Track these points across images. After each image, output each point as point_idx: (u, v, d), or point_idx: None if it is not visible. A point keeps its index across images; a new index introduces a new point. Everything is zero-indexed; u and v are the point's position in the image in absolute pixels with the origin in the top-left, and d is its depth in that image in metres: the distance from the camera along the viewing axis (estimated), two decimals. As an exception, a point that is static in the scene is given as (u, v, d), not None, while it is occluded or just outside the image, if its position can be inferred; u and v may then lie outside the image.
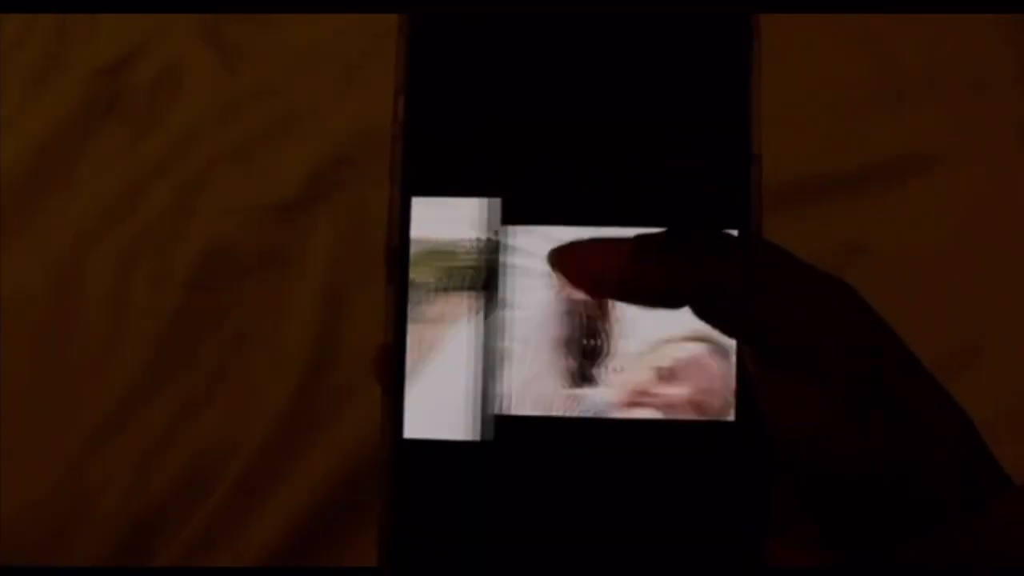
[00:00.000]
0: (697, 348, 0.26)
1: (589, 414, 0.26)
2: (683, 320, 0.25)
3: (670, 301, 0.24)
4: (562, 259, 0.25)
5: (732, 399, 0.26)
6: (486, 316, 0.26)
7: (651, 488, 0.26)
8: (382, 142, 0.65)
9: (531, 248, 0.26)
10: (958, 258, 0.56)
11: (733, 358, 0.26)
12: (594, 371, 0.26)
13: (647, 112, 0.26)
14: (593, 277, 0.25)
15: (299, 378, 0.57)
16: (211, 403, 0.57)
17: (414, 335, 0.26)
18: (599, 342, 0.26)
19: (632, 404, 0.26)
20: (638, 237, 0.24)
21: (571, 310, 0.26)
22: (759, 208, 0.26)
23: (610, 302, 0.26)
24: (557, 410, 0.26)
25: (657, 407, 0.26)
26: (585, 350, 0.26)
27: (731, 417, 0.26)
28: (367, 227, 0.59)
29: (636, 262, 0.24)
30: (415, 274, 0.26)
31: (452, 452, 0.26)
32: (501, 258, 0.26)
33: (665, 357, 0.26)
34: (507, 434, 0.26)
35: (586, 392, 0.26)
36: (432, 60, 0.27)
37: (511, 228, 0.26)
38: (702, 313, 0.24)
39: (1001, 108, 0.60)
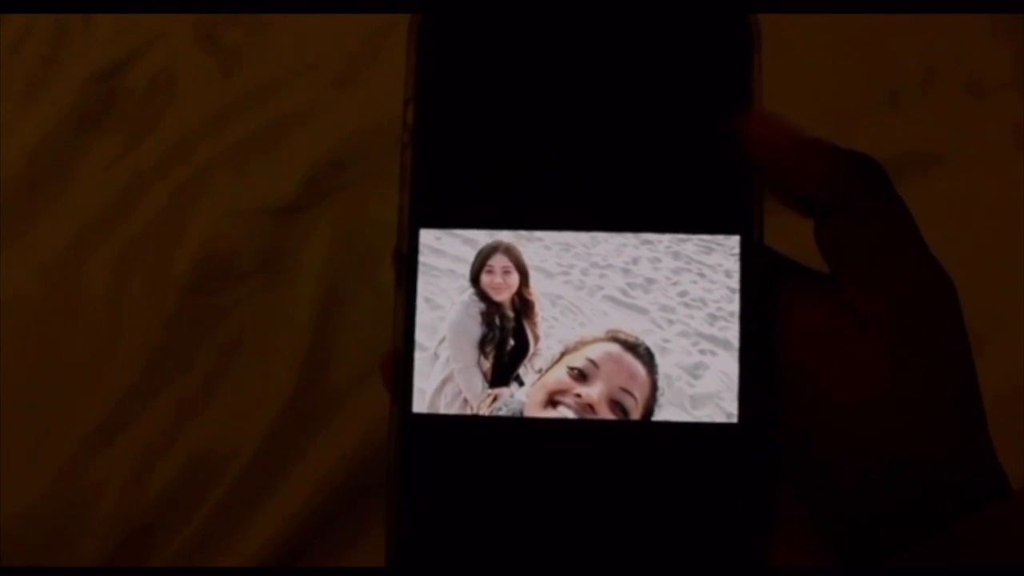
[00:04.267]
0: (612, 347, 0.26)
1: (507, 413, 0.26)
2: (600, 320, 0.26)
3: (808, 197, 0.26)
4: (746, 122, 0.26)
5: (649, 396, 0.26)
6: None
7: (655, 489, 0.26)
8: (379, 144, 0.65)
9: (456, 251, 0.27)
10: (956, 259, 0.56)
11: (648, 356, 0.26)
12: (518, 371, 0.26)
13: (654, 125, 0.27)
14: (762, 146, 0.26)
15: (296, 380, 0.57)
16: (209, 405, 0.57)
17: None
18: (520, 342, 0.27)
19: (551, 403, 0.26)
20: (815, 137, 0.26)
21: (492, 311, 0.27)
22: (760, 217, 0.26)
23: (533, 301, 0.26)
24: (475, 409, 0.26)
25: (575, 406, 0.26)
26: (506, 350, 0.27)
27: (659, 414, 0.26)
28: (364, 230, 0.59)
29: (803, 145, 0.25)
30: None
31: (460, 455, 0.26)
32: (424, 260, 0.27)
33: (580, 357, 0.26)
34: (511, 434, 0.26)
35: (506, 391, 0.26)
36: (441, 67, 0.27)
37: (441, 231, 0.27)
38: (818, 226, 0.26)
39: (999, 109, 0.60)
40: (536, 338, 0.26)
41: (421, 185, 0.27)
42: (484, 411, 0.26)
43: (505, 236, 0.27)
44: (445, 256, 0.27)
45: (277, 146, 0.62)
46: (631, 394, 0.26)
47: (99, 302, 0.59)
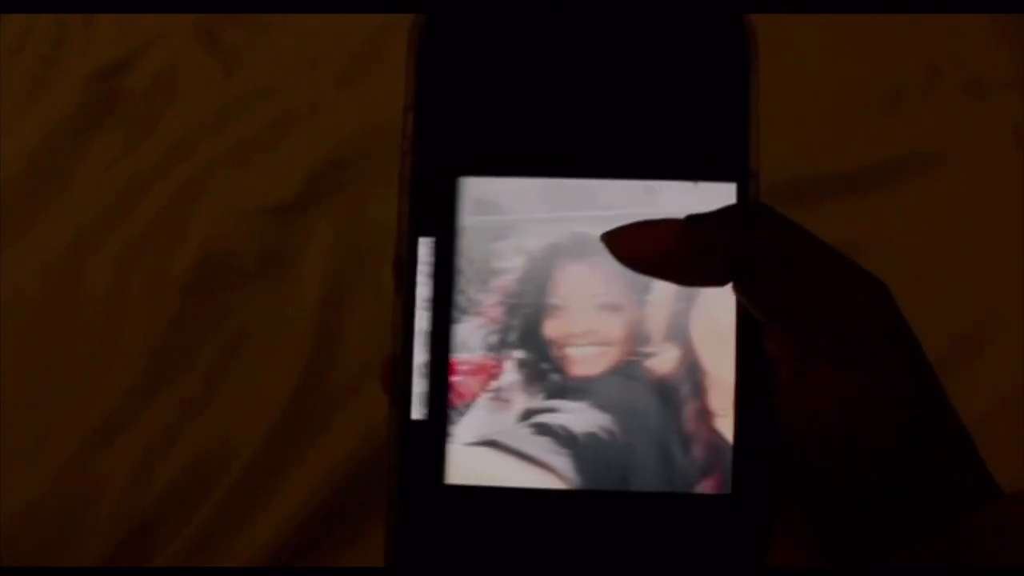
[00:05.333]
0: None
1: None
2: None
3: (713, 277, 0.25)
4: (615, 239, 0.26)
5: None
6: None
7: (655, 491, 0.26)
8: (379, 144, 0.65)
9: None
10: (956, 258, 0.56)
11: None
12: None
13: (657, 132, 0.27)
14: (645, 256, 0.25)
15: (297, 379, 0.57)
16: (210, 404, 0.57)
17: None
18: None
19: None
20: (688, 216, 0.25)
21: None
22: None
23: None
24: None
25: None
26: None
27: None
28: (365, 230, 0.59)
29: (685, 239, 0.25)
30: None
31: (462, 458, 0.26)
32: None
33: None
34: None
35: None
36: (440, 75, 0.27)
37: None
38: (742, 290, 0.25)
39: (999, 109, 0.61)
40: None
41: (421, 193, 0.27)
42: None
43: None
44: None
45: (277, 146, 0.62)
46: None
47: (99, 302, 0.59)
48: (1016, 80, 0.61)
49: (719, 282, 0.25)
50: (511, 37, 0.27)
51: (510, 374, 0.26)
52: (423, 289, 0.27)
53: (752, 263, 0.24)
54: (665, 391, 0.26)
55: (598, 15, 0.27)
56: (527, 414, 0.26)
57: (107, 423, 0.57)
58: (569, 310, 0.26)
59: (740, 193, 0.26)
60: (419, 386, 0.26)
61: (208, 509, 0.55)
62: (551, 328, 0.26)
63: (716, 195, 0.26)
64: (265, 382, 0.57)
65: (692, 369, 0.26)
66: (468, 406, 0.26)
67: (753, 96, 0.26)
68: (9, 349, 0.58)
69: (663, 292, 0.26)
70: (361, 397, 0.56)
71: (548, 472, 0.26)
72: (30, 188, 0.62)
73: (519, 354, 0.26)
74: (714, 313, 0.26)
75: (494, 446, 0.26)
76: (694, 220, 0.25)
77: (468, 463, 0.26)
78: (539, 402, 0.26)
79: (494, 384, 0.26)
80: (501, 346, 0.27)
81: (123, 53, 0.65)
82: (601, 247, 0.26)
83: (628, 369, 0.26)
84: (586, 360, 0.26)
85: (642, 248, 0.25)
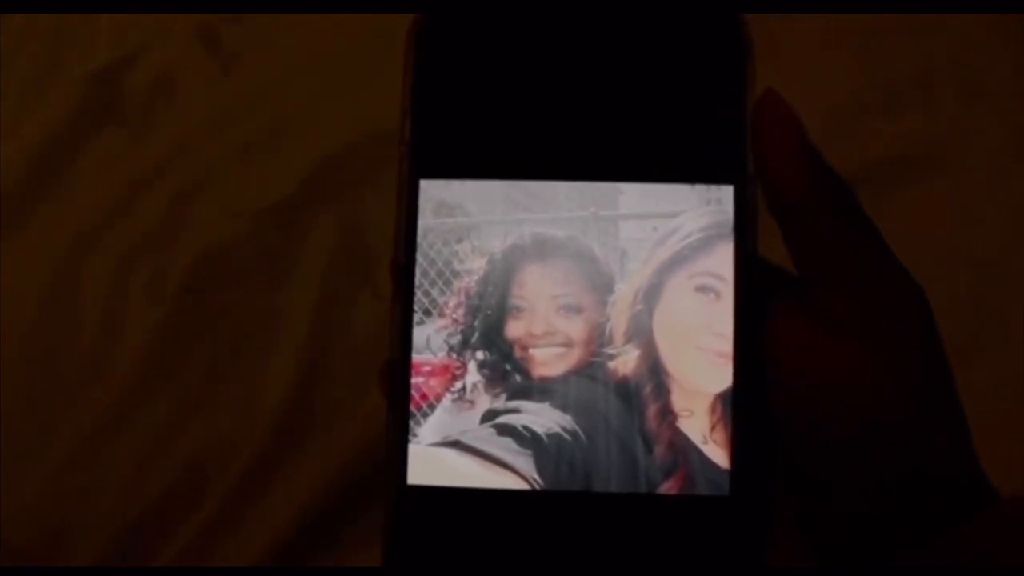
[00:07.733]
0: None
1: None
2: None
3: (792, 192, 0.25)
4: (764, 109, 0.26)
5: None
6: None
7: (654, 492, 0.26)
8: (379, 144, 0.65)
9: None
10: (955, 259, 0.56)
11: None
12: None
13: (655, 137, 0.26)
14: (785, 125, 0.26)
15: (296, 379, 0.57)
16: (208, 405, 0.57)
17: None
18: None
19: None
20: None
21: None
22: (755, 226, 0.26)
23: None
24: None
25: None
26: None
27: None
28: (364, 230, 0.59)
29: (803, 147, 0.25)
30: None
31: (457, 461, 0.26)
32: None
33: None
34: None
35: None
36: (436, 81, 0.27)
37: None
38: (787, 225, 0.26)
39: (998, 110, 0.60)
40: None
41: (418, 198, 0.27)
42: None
43: None
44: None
45: (277, 146, 0.62)
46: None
47: (99, 300, 0.59)
48: (1015, 82, 0.61)
49: (773, 198, 0.26)
50: (508, 39, 0.27)
51: (473, 375, 0.26)
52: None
53: (822, 209, 0.25)
54: (627, 392, 0.26)
55: (595, 18, 0.27)
56: (490, 415, 0.26)
57: (106, 423, 0.57)
58: (531, 311, 0.27)
59: (738, 196, 0.26)
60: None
61: (207, 509, 0.55)
62: (513, 329, 0.27)
63: (680, 198, 0.26)
64: (264, 382, 0.57)
65: (654, 369, 0.26)
66: (432, 407, 0.26)
67: (749, 98, 0.26)
68: (9, 349, 0.58)
69: (625, 293, 0.26)
70: (360, 397, 0.56)
71: (511, 472, 0.26)
72: (30, 188, 0.62)
73: (482, 355, 0.27)
74: (676, 314, 0.26)
75: (457, 447, 0.26)
76: (815, 150, 0.26)
77: (431, 463, 0.26)
78: (502, 403, 0.26)
79: (457, 385, 0.26)
80: (464, 347, 0.27)
81: (123, 53, 0.65)
82: (563, 248, 0.26)
83: (590, 370, 0.26)
84: (548, 361, 0.26)
85: (772, 131, 0.26)
